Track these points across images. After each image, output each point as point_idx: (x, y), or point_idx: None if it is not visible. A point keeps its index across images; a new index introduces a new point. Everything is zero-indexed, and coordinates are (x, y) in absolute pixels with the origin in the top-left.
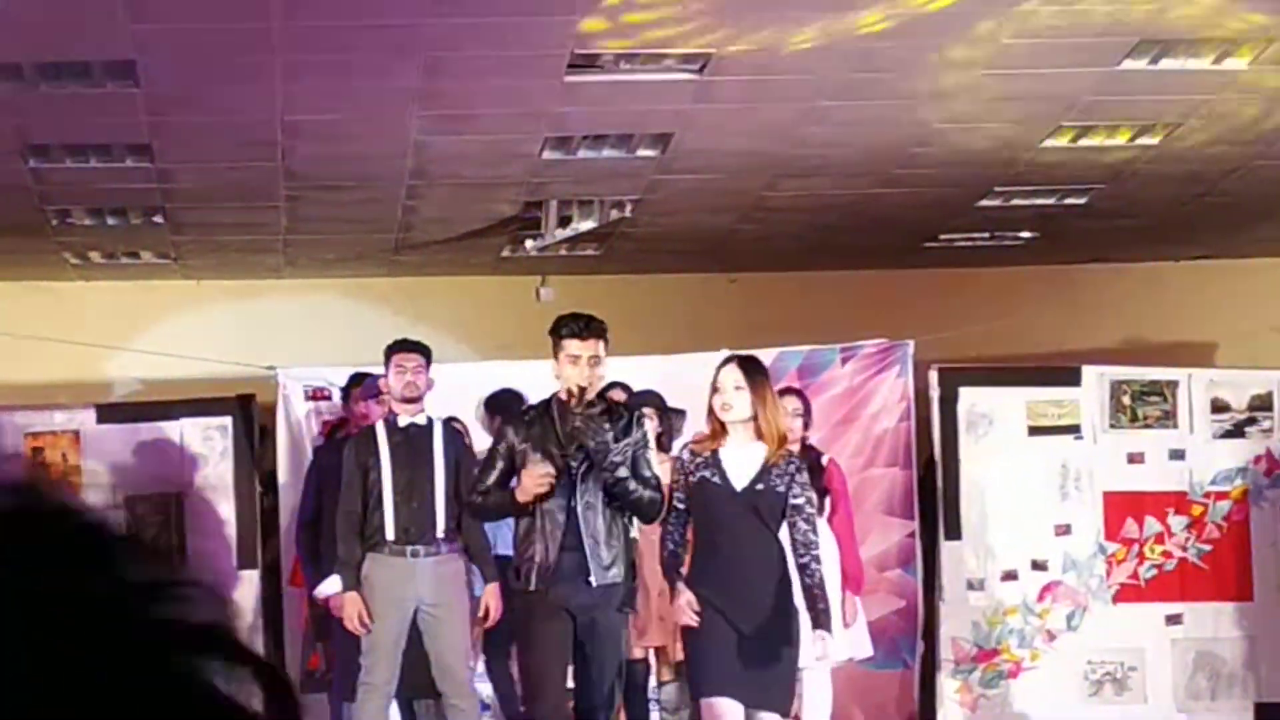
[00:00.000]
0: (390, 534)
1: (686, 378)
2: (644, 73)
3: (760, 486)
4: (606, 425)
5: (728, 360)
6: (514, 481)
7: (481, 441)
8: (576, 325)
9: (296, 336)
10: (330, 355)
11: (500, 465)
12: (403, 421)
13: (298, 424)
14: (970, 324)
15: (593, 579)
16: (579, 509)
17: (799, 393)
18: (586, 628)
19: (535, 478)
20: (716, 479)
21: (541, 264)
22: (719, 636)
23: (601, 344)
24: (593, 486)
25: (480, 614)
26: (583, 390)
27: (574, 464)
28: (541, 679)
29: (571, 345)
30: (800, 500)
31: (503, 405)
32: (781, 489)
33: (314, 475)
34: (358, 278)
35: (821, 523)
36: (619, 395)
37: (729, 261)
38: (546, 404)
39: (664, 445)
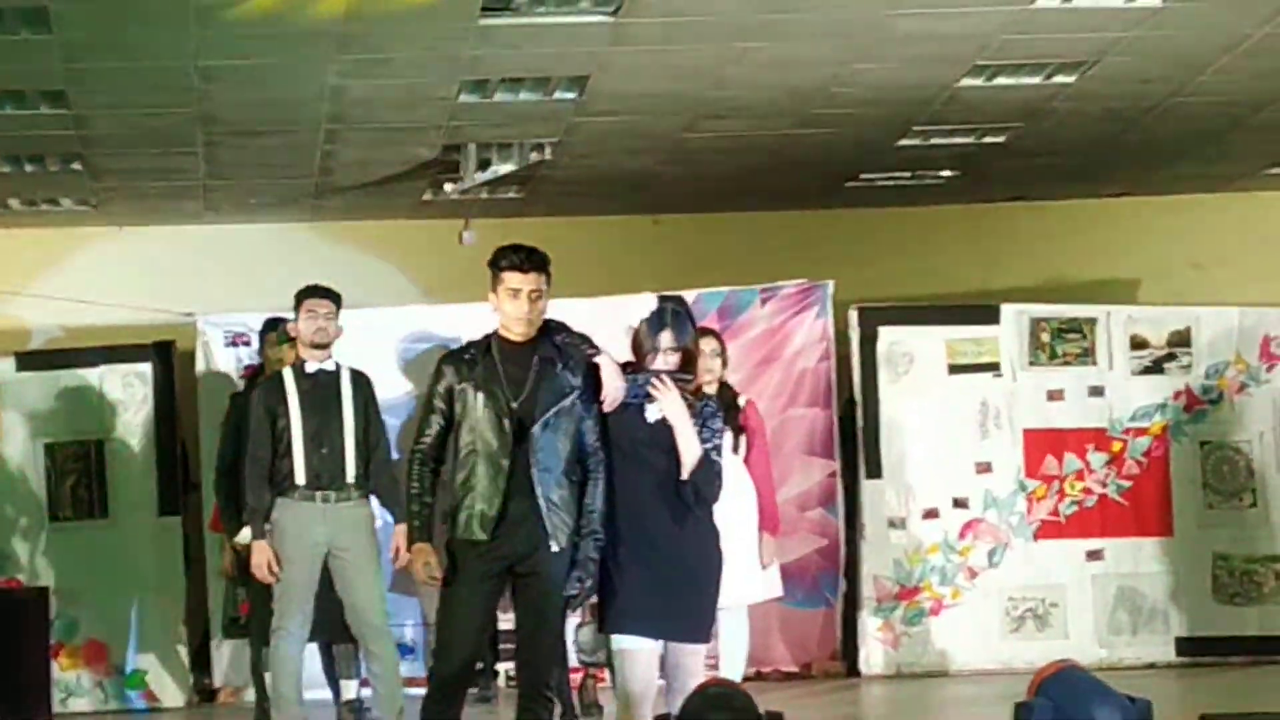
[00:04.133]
0: (300, 480)
1: (611, 320)
2: (559, 15)
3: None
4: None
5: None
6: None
7: (399, 388)
8: (517, 257)
9: (218, 282)
10: (253, 301)
11: (441, 409)
12: (311, 368)
13: (218, 370)
14: (891, 263)
15: (552, 545)
16: (533, 467)
17: (716, 334)
18: (530, 581)
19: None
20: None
21: (464, 207)
22: (629, 574)
23: (544, 278)
24: (548, 444)
25: (390, 554)
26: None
27: (516, 408)
28: (455, 637)
29: (512, 278)
30: (708, 445)
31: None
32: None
33: (231, 421)
34: (280, 223)
35: (738, 462)
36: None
37: (652, 203)
38: (487, 343)
39: None
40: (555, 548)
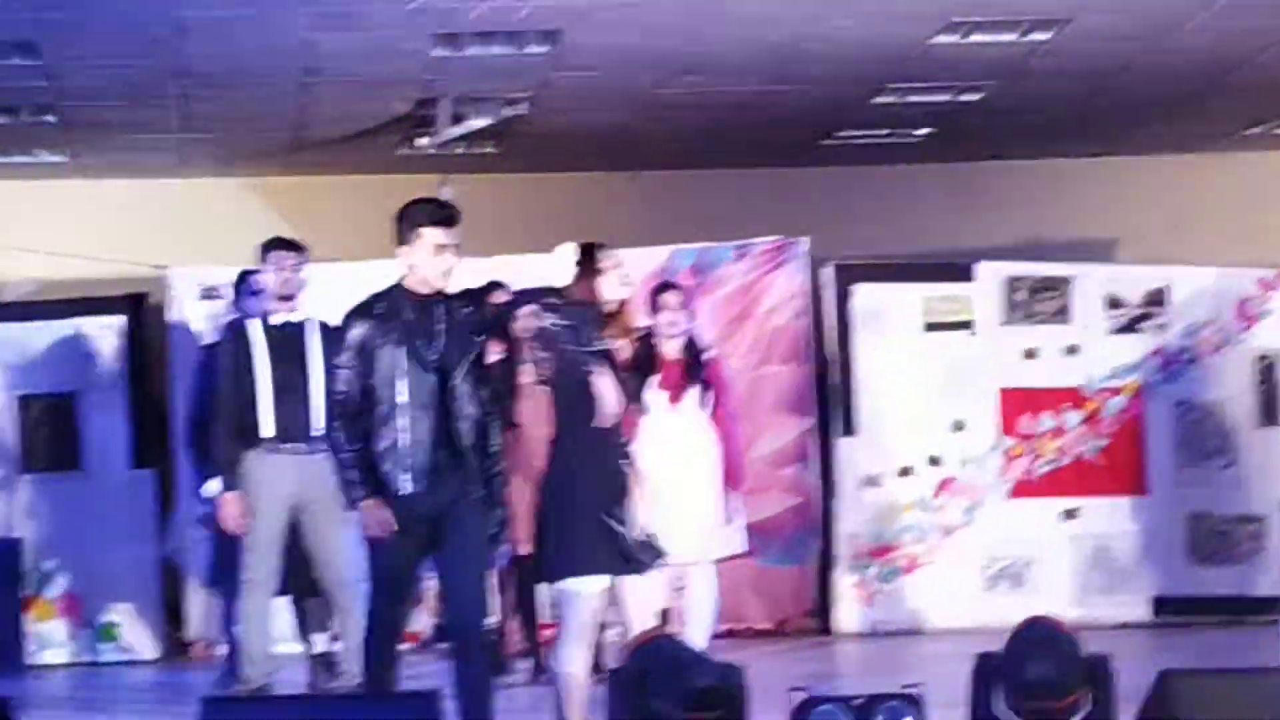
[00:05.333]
0: (267, 432)
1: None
2: None
3: None
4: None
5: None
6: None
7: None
8: (442, 213)
9: (191, 236)
10: (226, 255)
11: (354, 365)
12: (277, 320)
13: (190, 323)
14: (867, 221)
15: (476, 491)
16: (455, 418)
17: (677, 285)
18: (456, 528)
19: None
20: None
21: (440, 163)
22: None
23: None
24: (464, 393)
25: None
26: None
27: (435, 360)
28: (391, 577)
29: (436, 234)
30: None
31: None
32: None
33: (201, 373)
34: (254, 176)
35: (704, 418)
36: (500, 296)
37: (628, 159)
38: (395, 296)
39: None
40: (477, 494)
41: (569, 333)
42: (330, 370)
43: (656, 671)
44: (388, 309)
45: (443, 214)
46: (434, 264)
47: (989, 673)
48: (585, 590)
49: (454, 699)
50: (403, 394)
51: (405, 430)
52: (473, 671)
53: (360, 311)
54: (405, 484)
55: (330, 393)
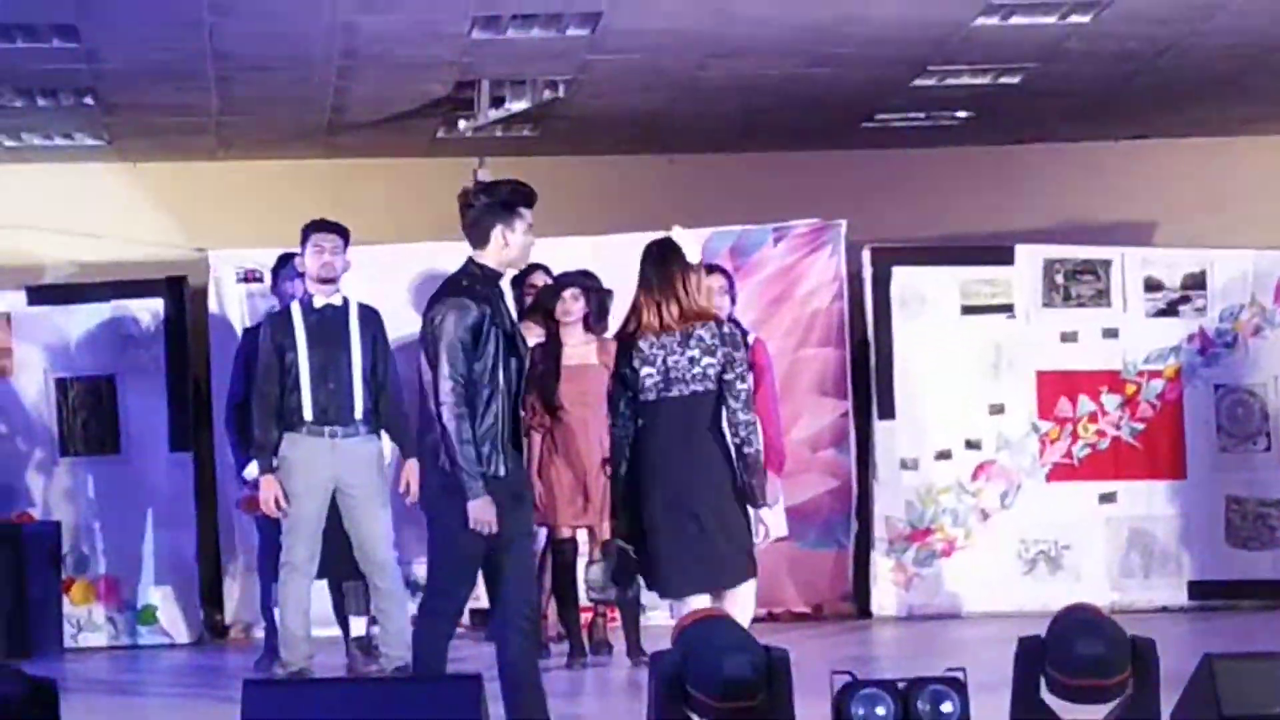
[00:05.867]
0: (308, 415)
1: (617, 257)
2: None
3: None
4: None
5: (710, 270)
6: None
7: (412, 325)
8: (530, 192)
9: (231, 218)
10: (266, 238)
11: (470, 349)
12: (318, 302)
13: (230, 306)
14: (906, 204)
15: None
16: (518, 399)
17: (724, 270)
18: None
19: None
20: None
21: (477, 145)
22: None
23: None
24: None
25: (401, 489)
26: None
27: (523, 344)
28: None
29: (529, 214)
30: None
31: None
32: None
33: (243, 356)
34: (293, 159)
35: None
36: (540, 279)
37: (666, 142)
38: (487, 277)
39: (589, 325)
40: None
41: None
42: (451, 354)
43: (695, 658)
44: (486, 291)
45: (534, 194)
46: (526, 244)
47: (1033, 656)
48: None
49: (500, 681)
50: (503, 377)
51: (504, 413)
52: (521, 652)
53: (467, 292)
54: (500, 467)
55: (452, 378)
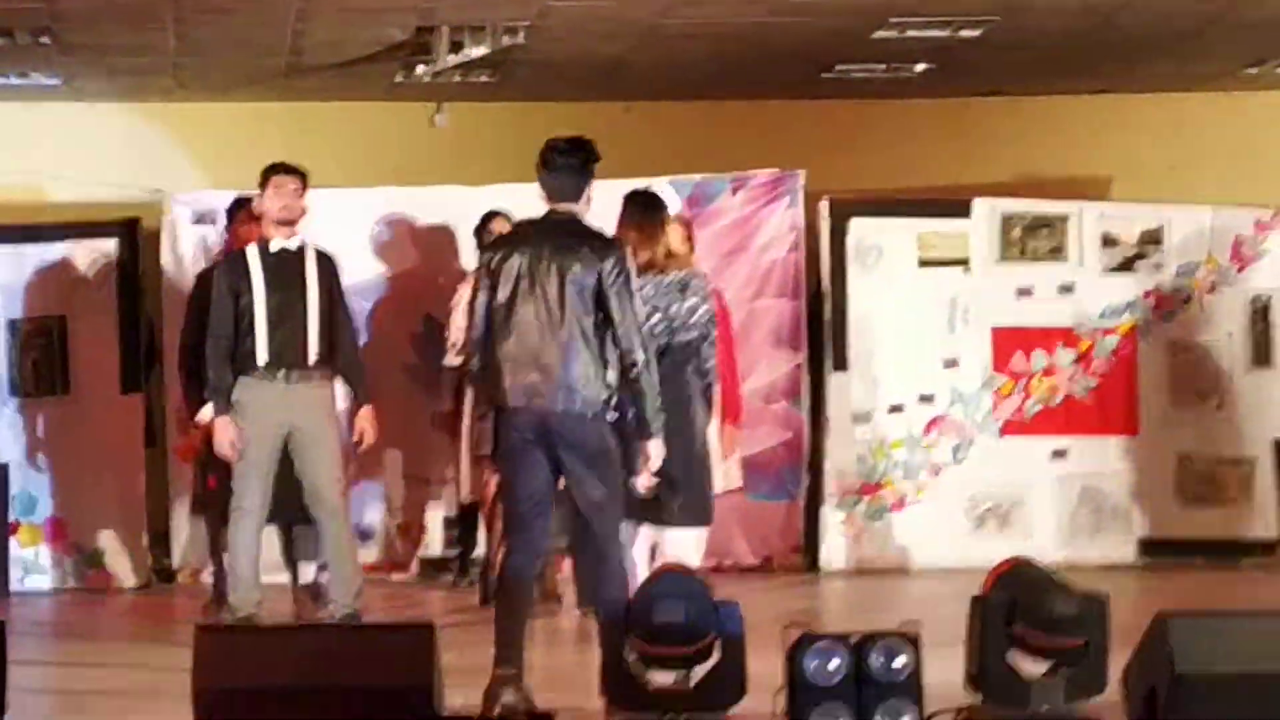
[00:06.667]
0: (262, 359)
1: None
2: None
3: None
4: None
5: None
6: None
7: (370, 270)
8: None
9: (187, 161)
10: (223, 180)
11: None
12: (275, 245)
13: (185, 248)
14: (864, 156)
15: None
16: None
17: (684, 220)
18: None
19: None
20: None
21: (436, 90)
22: None
23: None
24: None
25: (355, 438)
26: None
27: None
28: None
29: None
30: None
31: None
32: None
33: (197, 298)
34: (250, 102)
35: None
36: (502, 225)
37: (625, 89)
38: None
39: None
40: None
41: None
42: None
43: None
44: None
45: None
46: None
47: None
48: None
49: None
50: None
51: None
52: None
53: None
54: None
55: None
